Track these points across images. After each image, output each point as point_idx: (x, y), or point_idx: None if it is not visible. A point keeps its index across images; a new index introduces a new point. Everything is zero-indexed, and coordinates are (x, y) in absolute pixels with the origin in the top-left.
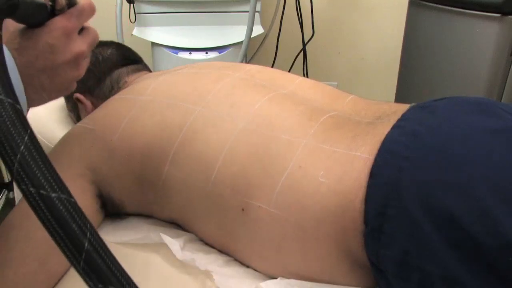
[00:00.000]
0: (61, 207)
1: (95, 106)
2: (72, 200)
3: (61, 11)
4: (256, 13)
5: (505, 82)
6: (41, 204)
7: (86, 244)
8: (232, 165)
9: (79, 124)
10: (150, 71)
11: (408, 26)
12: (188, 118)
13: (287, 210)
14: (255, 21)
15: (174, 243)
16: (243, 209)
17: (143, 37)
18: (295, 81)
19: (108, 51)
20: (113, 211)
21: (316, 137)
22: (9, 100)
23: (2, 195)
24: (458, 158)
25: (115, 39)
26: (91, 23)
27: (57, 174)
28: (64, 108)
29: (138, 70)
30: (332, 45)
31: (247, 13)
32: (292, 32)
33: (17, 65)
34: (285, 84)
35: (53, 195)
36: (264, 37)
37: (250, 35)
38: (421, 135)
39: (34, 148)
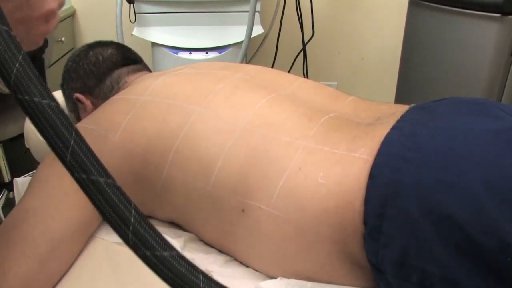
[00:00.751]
0: (109, 191)
1: (95, 106)
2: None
3: None
4: (256, 13)
5: (505, 82)
6: (92, 188)
7: (132, 219)
8: (232, 166)
9: (79, 124)
10: (150, 71)
11: (408, 26)
12: (188, 119)
13: (287, 211)
14: (255, 21)
15: (174, 243)
16: (243, 210)
17: (143, 37)
18: (295, 82)
19: (108, 51)
20: None
21: (316, 139)
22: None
23: (2, 195)
24: (457, 159)
25: (115, 39)
26: (91, 23)
27: (98, 160)
28: (64, 108)
29: (138, 70)
30: (332, 45)
31: (247, 13)
32: (292, 32)
33: None
34: (285, 85)
35: (101, 180)
36: (264, 37)
37: (250, 35)
38: (421, 136)
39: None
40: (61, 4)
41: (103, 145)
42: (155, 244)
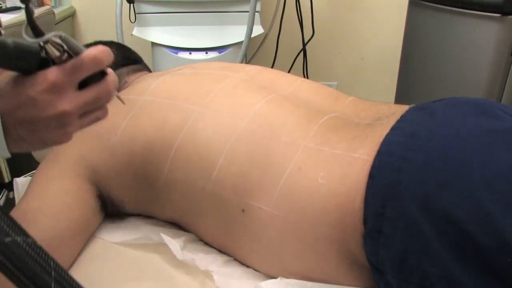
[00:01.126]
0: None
1: None
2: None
3: (61, 61)
4: (256, 13)
5: (505, 82)
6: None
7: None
8: (232, 166)
9: None
10: (150, 71)
11: (408, 26)
12: (189, 118)
13: (286, 211)
14: (255, 21)
15: (174, 243)
16: (243, 210)
17: (143, 37)
18: (295, 82)
19: None
20: (113, 211)
21: (315, 139)
22: None
23: (2, 195)
24: (457, 159)
25: (115, 39)
26: (91, 23)
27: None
28: None
29: (138, 70)
30: (332, 45)
31: (247, 13)
32: (292, 32)
33: None
34: (285, 85)
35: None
36: (264, 37)
37: (250, 35)
38: (420, 136)
39: None
40: (78, 108)
41: (104, 146)
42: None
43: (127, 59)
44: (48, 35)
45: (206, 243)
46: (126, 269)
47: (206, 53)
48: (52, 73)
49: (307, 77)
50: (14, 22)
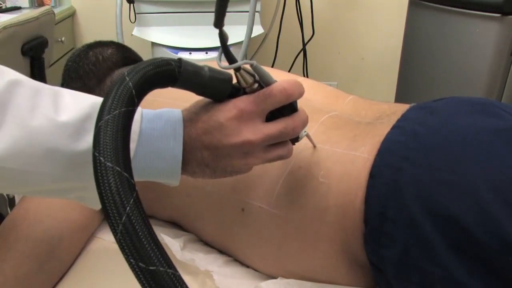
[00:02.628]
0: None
1: None
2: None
3: (251, 90)
4: (256, 13)
5: (505, 82)
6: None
7: None
8: None
9: None
10: None
11: (408, 26)
12: None
13: (287, 210)
14: (255, 21)
15: (174, 243)
16: (243, 209)
17: (143, 37)
18: None
19: (108, 51)
20: None
21: (316, 138)
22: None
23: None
24: (458, 158)
25: (115, 39)
26: (91, 23)
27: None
28: None
29: None
30: (332, 45)
31: (247, 13)
32: (292, 32)
33: (185, 134)
34: None
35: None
36: (264, 37)
37: (250, 35)
38: (421, 135)
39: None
40: (262, 139)
41: None
42: None
43: (127, 59)
44: (240, 63)
45: (206, 243)
46: (126, 269)
47: (206, 53)
48: (242, 102)
49: (307, 77)
50: (14, 22)
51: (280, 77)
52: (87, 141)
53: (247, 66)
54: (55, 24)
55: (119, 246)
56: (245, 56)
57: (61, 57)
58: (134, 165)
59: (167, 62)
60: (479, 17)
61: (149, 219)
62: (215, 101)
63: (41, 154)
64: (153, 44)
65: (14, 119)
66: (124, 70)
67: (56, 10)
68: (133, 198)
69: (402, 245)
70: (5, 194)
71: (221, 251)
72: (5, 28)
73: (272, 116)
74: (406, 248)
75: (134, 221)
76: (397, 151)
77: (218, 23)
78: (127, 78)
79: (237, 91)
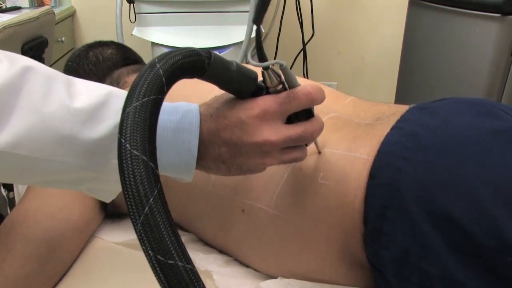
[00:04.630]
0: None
1: None
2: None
3: (275, 91)
4: None
5: (505, 82)
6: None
7: None
8: None
9: None
10: None
11: (408, 26)
12: None
13: (287, 211)
14: None
15: None
16: (243, 210)
17: (143, 37)
18: None
19: (108, 51)
20: (113, 211)
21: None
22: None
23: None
24: (457, 159)
25: (115, 39)
26: (91, 23)
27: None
28: None
29: (138, 70)
30: (332, 45)
31: (247, 13)
32: (292, 32)
33: (203, 128)
34: None
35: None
36: (264, 37)
37: (250, 35)
38: (420, 136)
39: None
40: (282, 141)
41: None
42: None
43: (127, 59)
44: (270, 62)
45: (206, 243)
46: (126, 269)
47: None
48: (265, 101)
49: (307, 77)
50: (14, 22)
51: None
52: (101, 130)
53: (276, 67)
54: (55, 24)
55: (139, 237)
56: (245, 56)
57: (61, 57)
58: None
59: (198, 53)
60: (479, 17)
61: None
62: (237, 98)
63: (53, 141)
64: (153, 44)
65: (27, 104)
66: (124, 70)
67: (56, 10)
68: (158, 189)
69: (401, 245)
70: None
71: (221, 251)
72: (5, 28)
73: (288, 119)
74: (406, 249)
75: (156, 213)
76: (397, 152)
77: (258, 20)
78: (158, 65)
79: (260, 90)
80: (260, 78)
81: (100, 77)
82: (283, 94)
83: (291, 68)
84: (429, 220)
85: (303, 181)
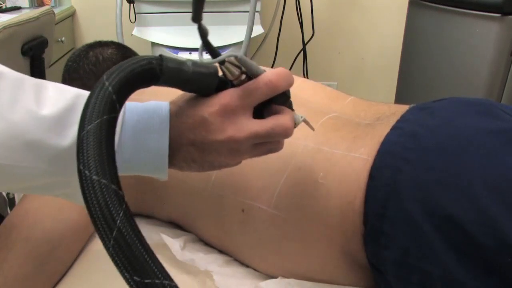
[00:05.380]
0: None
1: None
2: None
3: (240, 81)
4: (256, 13)
5: (505, 82)
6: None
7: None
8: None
9: None
10: None
11: (408, 26)
12: None
13: (286, 211)
14: (255, 21)
15: (174, 243)
16: (243, 210)
17: (143, 37)
18: (295, 82)
19: (108, 51)
20: None
21: (315, 139)
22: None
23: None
24: (457, 159)
25: (115, 39)
26: (91, 23)
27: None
28: None
29: None
30: (332, 45)
31: (247, 13)
32: (292, 32)
33: (171, 128)
34: None
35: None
36: (264, 37)
37: (250, 35)
38: (420, 136)
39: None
40: (249, 137)
41: None
42: None
43: (127, 59)
44: (223, 56)
45: (206, 243)
46: None
47: (207, 53)
48: (225, 96)
49: (307, 77)
50: (14, 22)
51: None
52: (70, 135)
53: (231, 59)
54: (55, 24)
55: (113, 260)
56: (245, 55)
57: (61, 57)
58: (118, 157)
59: (147, 61)
60: (479, 17)
61: (149, 219)
62: (202, 96)
63: (22, 147)
64: (153, 44)
65: None
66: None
67: (56, 10)
68: (123, 210)
69: (401, 245)
70: (5, 195)
71: (221, 251)
72: (5, 28)
73: (263, 105)
74: (405, 249)
75: (125, 234)
76: (397, 152)
77: (196, 17)
78: (107, 83)
79: (225, 84)
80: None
81: (100, 77)
82: (243, 87)
83: (290, 68)
84: (429, 220)
85: (303, 181)
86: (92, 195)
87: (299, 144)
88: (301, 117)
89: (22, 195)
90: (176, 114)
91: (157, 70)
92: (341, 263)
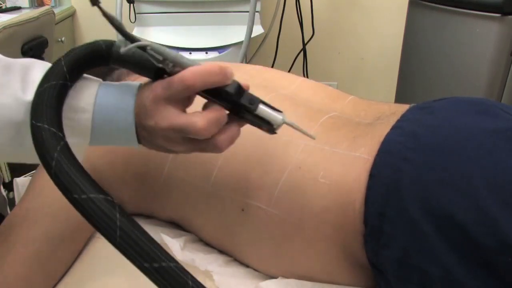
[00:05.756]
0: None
1: None
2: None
3: (173, 71)
4: (256, 13)
5: (505, 82)
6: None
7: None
8: (232, 165)
9: None
10: None
11: (408, 26)
12: None
13: (286, 211)
14: (255, 21)
15: (174, 243)
16: (243, 209)
17: (143, 37)
18: (295, 82)
19: None
20: None
21: (316, 139)
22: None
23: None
24: (458, 159)
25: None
26: (91, 23)
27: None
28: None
29: None
30: (332, 45)
31: (247, 13)
32: (292, 32)
33: (136, 107)
34: (285, 85)
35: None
36: (264, 37)
37: (250, 35)
38: (421, 136)
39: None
40: (172, 129)
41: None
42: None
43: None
44: (134, 44)
45: (206, 243)
46: (126, 269)
47: (206, 53)
48: (157, 84)
49: (307, 77)
50: (14, 22)
51: (280, 77)
52: None
53: (149, 50)
54: (55, 24)
55: (54, 182)
56: (245, 56)
57: None
58: (94, 131)
59: (98, 44)
60: (479, 17)
61: (149, 219)
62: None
63: (9, 128)
64: None
65: None
66: (124, 70)
67: (56, 10)
68: (61, 145)
69: (402, 245)
70: (5, 195)
71: (221, 251)
72: (5, 28)
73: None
74: (406, 248)
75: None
76: (397, 152)
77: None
78: (62, 60)
79: (164, 72)
80: None
81: (100, 77)
82: (167, 79)
83: (290, 68)
84: (429, 220)
85: (303, 180)
86: (34, 133)
87: (300, 143)
88: (282, 119)
89: (23, 195)
90: (136, 95)
91: (104, 53)
92: (341, 262)
